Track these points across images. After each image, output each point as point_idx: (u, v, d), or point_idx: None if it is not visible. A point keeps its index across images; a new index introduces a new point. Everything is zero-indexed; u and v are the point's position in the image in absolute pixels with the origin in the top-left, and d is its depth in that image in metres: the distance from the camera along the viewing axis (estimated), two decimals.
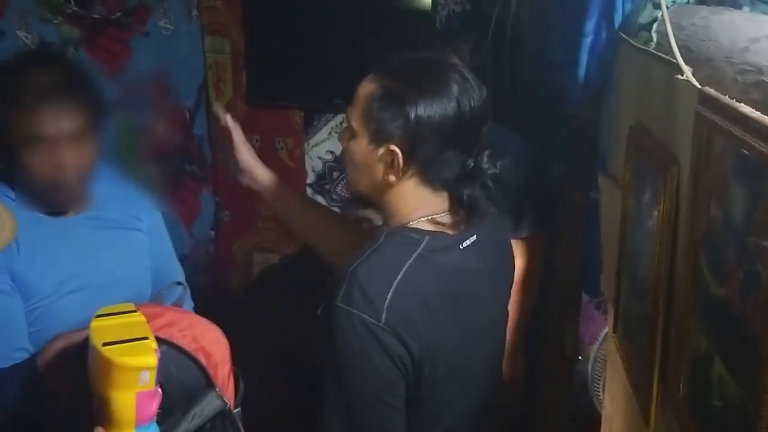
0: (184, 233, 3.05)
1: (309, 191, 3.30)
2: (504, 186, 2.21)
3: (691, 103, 0.95)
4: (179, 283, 1.74)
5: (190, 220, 3.14)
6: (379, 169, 1.38)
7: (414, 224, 1.39)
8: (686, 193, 1.00)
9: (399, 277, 1.31)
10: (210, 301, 3.08)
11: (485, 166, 1.39)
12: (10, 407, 1.34)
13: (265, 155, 3.19)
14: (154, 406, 1.14)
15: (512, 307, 2.30)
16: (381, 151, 1.36)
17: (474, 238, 1.43)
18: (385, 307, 1.27)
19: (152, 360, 1.11)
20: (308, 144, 3.25)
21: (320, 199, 3.31)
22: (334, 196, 3.31)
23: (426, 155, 1.35)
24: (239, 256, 3.31)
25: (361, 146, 1.39)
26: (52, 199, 1.61)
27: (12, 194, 1.61)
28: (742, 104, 0.82)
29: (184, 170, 3.11)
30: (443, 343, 1.35)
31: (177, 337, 1.24)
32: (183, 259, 2.12)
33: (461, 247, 1.40)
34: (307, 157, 3.26)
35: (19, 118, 1.50)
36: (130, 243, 1.79)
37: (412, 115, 1.32)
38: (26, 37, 2.49)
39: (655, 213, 1.14)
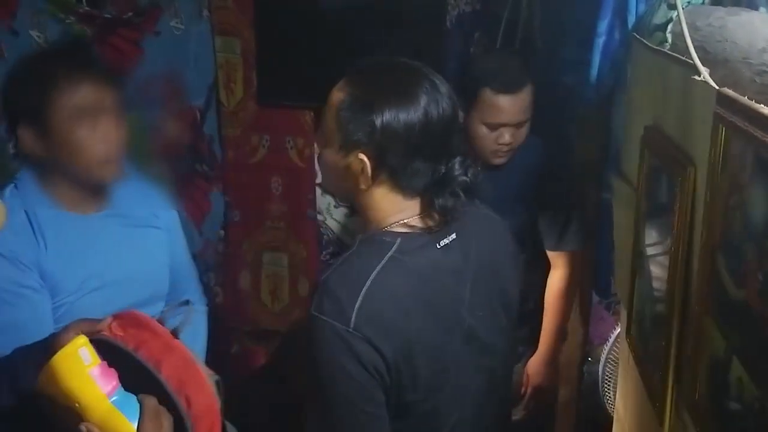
0: (193, 232, 3.06)
1: (318, 191, 3.30)
2: (549, 198, 2.23)
3: (709, 104, 0.95)
4: (186, 302, 1.75)
5: (199, 220, 3.15)
6: (350, 176, 1.38)
7: (388, 229, 1.39)
8: (702, 195, 1.00)
9: (369, 281, 1.30)
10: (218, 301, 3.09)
11: (456, 173, 1.38)
12: (24, 390, 1.33)
13: (274, 155, 3.23)
14: (112, 377, 1.14)
15: (552, 315, 2.33)
16: (350, 158, 1.36)
17: (453, 236, 1.41)
18: (354, 313, 1.27)
19: (80, 340, 1.13)
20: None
21: (329, 199, 3.32)
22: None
23: (394, 163, 1.34)
24: (249, 256, 3.30)
25: (332, 153, 1.40)
26: (100, 176, 1.63)
27: (38, 191, 1.62)
28: (762, 105, 0.81)
29: (194, 170, 3.12)
30: (420, 346, 1.33)
31: (163, 374, 1.19)
32: (193, 258, 2.13)
33: (438, 246, 1.39)
34: (316, 157, 3.26)
35: (63, 95, 1.55)
36: (150, 241, 1.81)
37: (378, 123, 1.31)
38: (38, 37, 2.50)
39: (671, 214, 1.13)
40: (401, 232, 1.38)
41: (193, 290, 2.01)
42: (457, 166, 1.38)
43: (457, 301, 1.40)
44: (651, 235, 1.30)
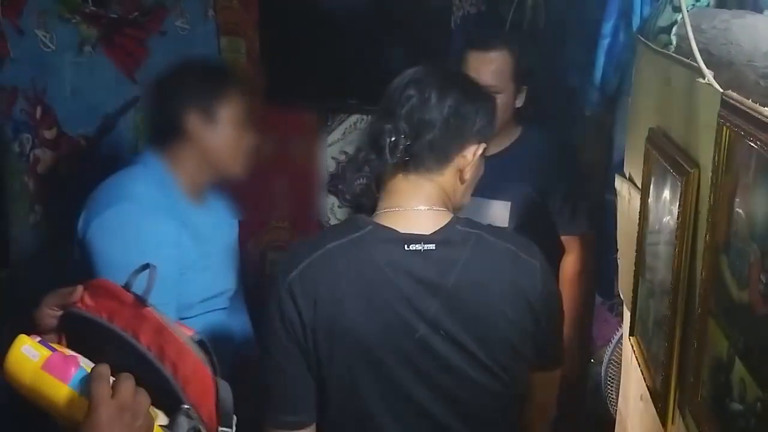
0: None
1: (323, 191, 3.31)
2: (557, 183, 2.26)
3: (713, 106, 0.95)
4: (146, 266, 1.80)
5: None
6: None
7: (378, 213, 1.46)
8: (706, 196, 1.00)
9: (321, 251, 1.41)
10: None
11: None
12: None
13: (279, 155, 3.24)
14: (68, 363, 1.10)
15: (566, 302, 2.33)
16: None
17: (432, 246, 1.41)
18: (295, 272, 1.40)
19: (20, 340, 1.10)
20: (323, 144, 3.26)
21: (333, 200, 3.32)
22: (348, 196, 3.32)
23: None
24: (253, 255, 3.32)
25: None
26: (236, 169, 1.90)
27: (165, 174, 1.84)
28: (766, 108, 0.82)
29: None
30: (343, 328, 1.40)
31: (142, 343, 1.16)
32: None
33: (406, 248, 1.41)
34: (321, 158, 3.26)
35: (236, 94, 1.86)
36: (231, 237, 2.08)
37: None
38: (44, 36, 2.51)
39: (675, 215, 1.14)
40: (378, 223, 1.44)
41: (241, 290, 2.18)
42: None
43: (410, 307, 1.41)
44: (654, 237, 1.30)
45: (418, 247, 1.41)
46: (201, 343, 1.22)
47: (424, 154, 1.43)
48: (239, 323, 2.09)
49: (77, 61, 2.63)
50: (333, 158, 3.28)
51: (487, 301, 1.44)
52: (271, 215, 3.31)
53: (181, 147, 1.82)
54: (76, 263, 1.80)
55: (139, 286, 1.24)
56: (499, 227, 1.76)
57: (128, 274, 1.56)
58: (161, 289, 1.65)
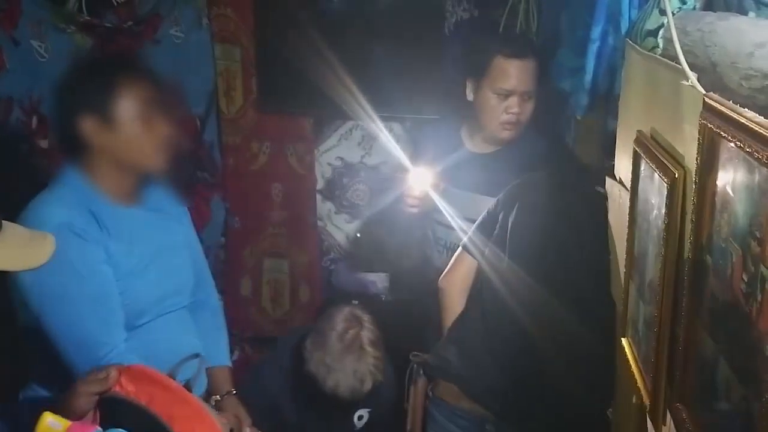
0: None
1: (318, 197, 3.32)
2: None
3: (697, 108, 0.97)
4: (196, 355, 1.82)
5: (200, 226, 3.15)
6: None
7: None
8: (692, 197, 1.01)
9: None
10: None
11: None
12: None
13: (275, 162, 3.25)
14: (87, 428, 1.21)
15: None
16: None
17: None
18: None
19: (44, 416, 1.19)
20: (318, 150, 3.26)
21: (329, 205, 3.33)
22: (344, 203, 3.33)
23: None
24: (249, 262, 3.32)
25: None
26: (152, 163, 1.79)
27: (87, 186, 1.75)
28: (746, 109, 0.83)
29: (195, 177, 3.14)
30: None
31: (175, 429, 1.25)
32: None
33: None
34: (317, 164, 3.27)
35: (128, 88, 1.73)
36: (178, 235, 1.97)
37: None
38: (40, 46, 2.53)
39: (662, 217, 1.15)
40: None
41: (210, 284, 2.13)
42: None
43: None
44: (643, 238, 1.31)
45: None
46: None
47: None
48: (209, 318, 2.05)
49: None
50: (329, 164, 3.29)
51: None
52: (267, 222, 3.32)
53: (90, 155, 1.73)
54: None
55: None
56: None
57: (61, 301, 1.64)
58: (102, 309, 1.69)
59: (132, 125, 1.72)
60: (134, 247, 1.77)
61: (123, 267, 1.73)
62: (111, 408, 1.26)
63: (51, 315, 1.65)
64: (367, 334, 2.22)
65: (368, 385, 2.16)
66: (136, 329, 1.75)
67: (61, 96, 1.75)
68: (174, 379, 1.33)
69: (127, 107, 1.71)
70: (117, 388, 1.28)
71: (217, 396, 1.94)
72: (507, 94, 2.20)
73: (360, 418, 2.35)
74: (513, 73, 2.20)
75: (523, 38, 2.30)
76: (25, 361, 1.83)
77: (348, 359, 2.16)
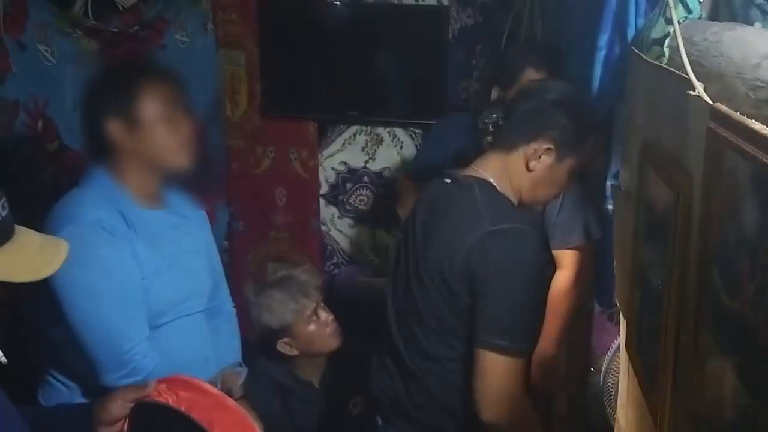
0: None
1: (322, 202, 3.33)
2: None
3: (703, 118, 0.97)
4: (240, 364, 1.97)
5: None
6: None
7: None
8: (698, 207, 1.01)
9: None
10: None
11: None
12: None
13: (278, 166, 3.26)
14: None
15: (554, 314, 2.32)
16: None
17: None
18: None
19: None
20: (322, 155, 3.28)
21: (333, 210, 3.34)
22: (347, 207, 3.34)
23: None
24: (253, 266, 3.33)
25: None
26: (177, 162, 1.83)
27: (114, 188, 1.80)
28: (754, 120, 0.83)
29: (199, 181, 3.14)
30: None
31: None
32: None
33: None
34: (320, 168, 3.28)
35: (152, 90, 1.79)
36: (198, 239, 2.02)
37: None
38: (46, 51, 2.54)
39: (668, 226, 1.15)
40: None
41: (225, 290, 2.16)
42: None
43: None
44: (649, 247, 1.31)
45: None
46: None
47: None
48: (223, 324, 2.09)
49: (78, 74, 2.65)
50: (333, 169, 3.30)
51: None
52: (271, 226, 3.33)
53: (117, 156, 1.78)
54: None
55: None
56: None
57: (89, 295, 1.68)
58: (128, 306, 1.73)
59: (156, 126, 1.77)
60: (158, 248, 1.81)
61: (147, 267, 1.77)
62: (151, 416, 1.27)
63: (78, 309, 1.69)
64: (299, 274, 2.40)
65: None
66: (154, 329, 1.79)
67: (88, 100, 1.80)
68: (216, 386, 1.34)
69: (151, 109, 1.76)
70: (155, 396, 1.29)
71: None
72: None
73: (355, 405, 2.40)
74: None
75: (554, 50, 2.28)
76: (37, 360, 1.88)
77: (276, 292, 2.32)
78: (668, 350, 1.14)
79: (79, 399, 1.80)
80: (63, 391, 1.83)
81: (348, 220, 3.35)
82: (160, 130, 1.77)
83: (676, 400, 1.14)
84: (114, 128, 1.75)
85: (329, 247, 3.38)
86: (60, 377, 1.83)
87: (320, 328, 2.34)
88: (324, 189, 3.33)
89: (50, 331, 1.79)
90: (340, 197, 3.33)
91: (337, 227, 3.37)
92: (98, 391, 1.72)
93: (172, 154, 1.80)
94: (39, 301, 1.75)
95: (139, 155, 1.78)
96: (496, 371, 1.58)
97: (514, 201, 1.71)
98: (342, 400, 2.37)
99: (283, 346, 2.34)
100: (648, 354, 1.30)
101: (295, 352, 2.35)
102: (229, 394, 1.78)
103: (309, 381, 2.41)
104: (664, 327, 1.15)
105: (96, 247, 1.69)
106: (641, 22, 1.60)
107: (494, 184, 1.69)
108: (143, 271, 1.76)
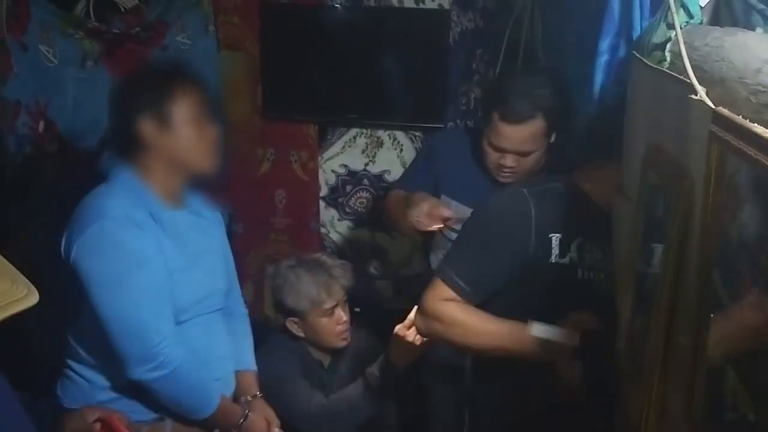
0: None
1: (322, 204, 3.33)
2: None
3: (705, 122, 0.98)
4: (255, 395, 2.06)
5: None
6: None
7: None
8: (699, 210, 1.02)
9: None
10: None
11: None
12: None
13: (278, 168, 3.26)
14: None
15: None
16: None
17: None
18: None
19: None
20: (322, 157, 3.28)
21: (333, 212, 3.34)
22: (347, 209, 3.34)
23: None
24: (253, 268, 3.33)
25: None
26: (205, 164, 1.89)
27: (140, 189, 1.84)
28: (756, 125, 0.84)
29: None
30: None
31: None
32: None
33: None
34: (320, 171, 3.29)
35: (185, 93, 1.85)
36: (216, 239, 2.07)
37: None
38: (48, 51, 2.54)
39: (668, 229, 1.16)
40: None
41: (238, 291, 2.20)
42: None
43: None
44: (648, 250, 1.32)
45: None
46: None
47: None
48: (237, 324, 2.12)
49: (80, 75, 2.66)
50: (333, 171, 3.31)
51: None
52: (271, 228, 3.33)
53: (145, 156, 1.83)
54: (67, 281, 1.81)
55: None
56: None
57: (119, 288, 1.73)
58: (157, 299, 1.77)
59: (187, 128, 1.83)
60: (181, 246, 1.87)
61: (171, 264, 1.82)
62: None
63: (107, 302, 1.74)
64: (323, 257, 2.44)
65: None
66: (176, 326, 1.82)
67: (121, 101, 1.87)
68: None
69: (184, 111, 1.82)
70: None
71: (248, 396, 2.04)
72: (501, 150, 2.11)
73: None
74: (507, 136, 2.08)
75: (525, 99, 2.04)
76: (56, 353, 1.91)
77: (305, 274, 2.35)
78: (666, 352, 1.15)
79: (100, 394, 1.84)
80: (84, 386, 1.86)
81: (348, 223, 3.35)
82: (190, 132, 1.83)
83: (675, 401, 1.15)
84: (146, 127, 1.80)
85: (329, 250, 3.38)
86: (81, 371, 1.86)
87: (330, 325, 2.36)
88: (324, 191, 3.33)
89: (72, 326, 1.84)
90: (340, 200, 3.33)
91: (337, 229, 3.37)
92: (119, 386, 1.82)
93: (200, 156, 1.86)
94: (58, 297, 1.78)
95: (167, 156, 1.83)
96: (434, 295, 1.73)
97: None
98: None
99: (291, 325, 2.38)
100: (646, 356, 1.31)
101: (302, 335, 2.39)
102: (244, 394, 2.00)
103: (320, 361, 2.45)
104: (663, 329, 1.15)
105: (128, 240, 1.75)
106: (646, 24, 1.60)
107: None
108: (169, 268, 1.80)
